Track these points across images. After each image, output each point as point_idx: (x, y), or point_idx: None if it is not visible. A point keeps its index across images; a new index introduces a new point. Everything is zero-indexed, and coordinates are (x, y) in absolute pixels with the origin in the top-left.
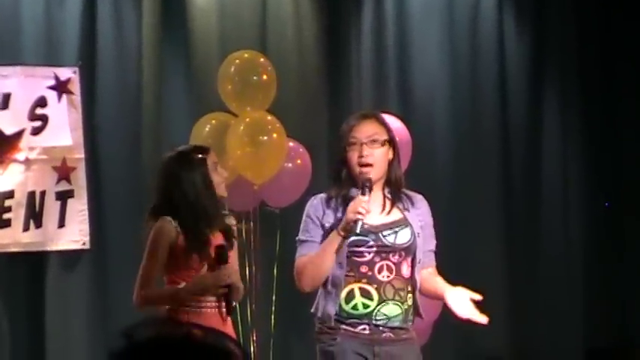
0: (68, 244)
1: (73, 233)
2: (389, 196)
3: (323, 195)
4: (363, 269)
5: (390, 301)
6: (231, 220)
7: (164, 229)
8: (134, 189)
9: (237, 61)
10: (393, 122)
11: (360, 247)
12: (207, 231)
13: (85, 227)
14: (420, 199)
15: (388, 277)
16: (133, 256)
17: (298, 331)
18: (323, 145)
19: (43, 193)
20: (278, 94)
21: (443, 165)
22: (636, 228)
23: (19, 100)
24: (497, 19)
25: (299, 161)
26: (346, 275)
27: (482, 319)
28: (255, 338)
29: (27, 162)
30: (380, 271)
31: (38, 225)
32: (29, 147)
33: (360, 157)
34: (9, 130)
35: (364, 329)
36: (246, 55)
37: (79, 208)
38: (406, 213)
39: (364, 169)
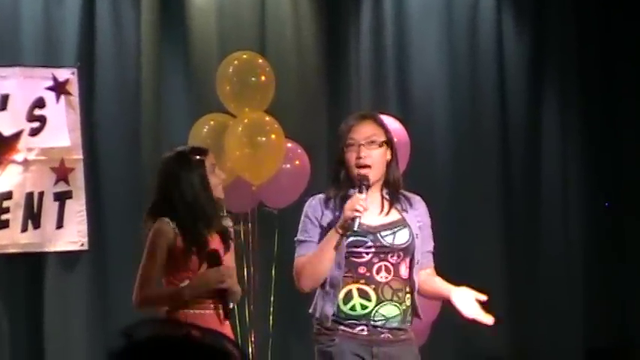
0: (66, 245)
1: (71, 234)
2: (387, 197)
3: (321, 195)
4: (361, 270)
5: (388, 302)
6: (228, 222)
7: (162, 230)
8: (133, 189)
9: (235, 62)
10: (391, 123)
11: (358, 247)
12: (205, 232)
13: (84, 228)
14: (418, 200)
15: (386, 277)
16: (132, 256)
17: (296, 332)
18: (322, 145)
19: (41, 194)
20: (277, 94)
21: (442, 165)
22: (636, 228)
23: (18, 101)
24: (496, 19)
25: (297, 162)
26: (344, 276)
27: (488, 319)
28: (253, 339)
29: (25, 163)
30: (378, 271)
31: (36, 226)
32: (27, 148)
33: (358, 158)
34: (7, 131)
35: (362, 330)
36: (244, 56)
37: (77, 209)
38: (404, 214)
39: (362, 171)
